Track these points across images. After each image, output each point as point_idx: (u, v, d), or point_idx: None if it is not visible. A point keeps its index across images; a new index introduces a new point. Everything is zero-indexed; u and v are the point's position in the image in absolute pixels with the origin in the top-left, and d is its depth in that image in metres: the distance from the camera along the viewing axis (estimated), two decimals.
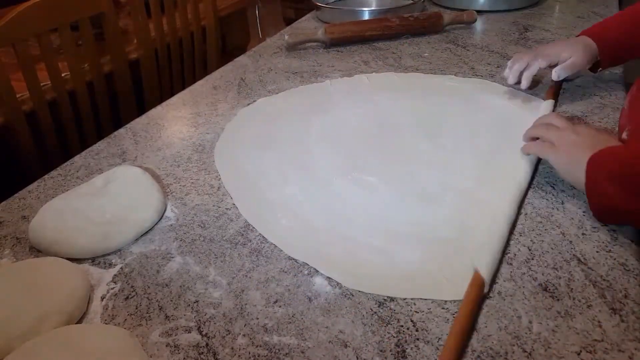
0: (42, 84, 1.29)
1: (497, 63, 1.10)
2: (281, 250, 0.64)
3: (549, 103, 0.90)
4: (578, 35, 0.94)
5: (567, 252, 0.60)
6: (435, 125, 0.88)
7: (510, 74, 0.94)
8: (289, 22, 2.72)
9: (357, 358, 0.50)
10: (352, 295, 0.57)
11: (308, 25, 1.48)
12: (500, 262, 0.59)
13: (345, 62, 1.18)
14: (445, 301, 0.55)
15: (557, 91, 0.94)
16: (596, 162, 0.63)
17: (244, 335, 0.54)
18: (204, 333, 0.54)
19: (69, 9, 1.31)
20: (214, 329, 0.54)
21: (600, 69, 0.94)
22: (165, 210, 0.72)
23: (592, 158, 0.64)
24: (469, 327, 0.52)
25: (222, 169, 0.81)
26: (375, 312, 0.55)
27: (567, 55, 0.90)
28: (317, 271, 0.60)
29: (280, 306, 0.56)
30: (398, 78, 1.07)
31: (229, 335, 0.54)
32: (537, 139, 0.75)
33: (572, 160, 0.67)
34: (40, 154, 1.32)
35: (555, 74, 0.90)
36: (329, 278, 0.59)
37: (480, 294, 0.55)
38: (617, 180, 0.61)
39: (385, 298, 0.56)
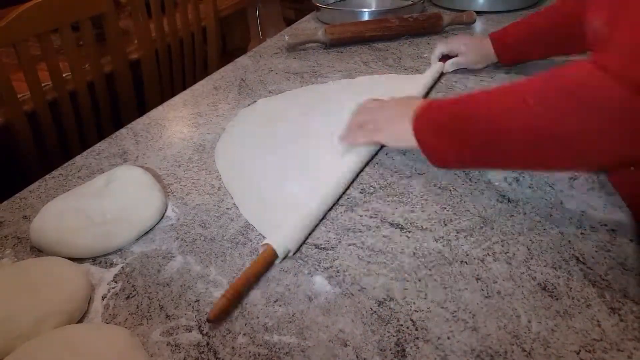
0: (42, 84, 1.29)
1: (496, 64, 1.10)
2: None
3: (440, 65, 1.07)
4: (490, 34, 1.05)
5: (566, 251, 0.60)
6: None
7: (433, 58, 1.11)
8: (289, 22, 2.73)
9: (357, 357, 0.50)
10: (352, 295, 0.57)
11: (308, 25, 1.48)
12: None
13: (346, 62, 1.18)
14: (445, 300, 0.56)
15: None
16: (419, 118, 0.69)
17: (244, 334, 0.54)
18: (204, 332, 0.54)
19: (69, 9, 1.31)
20: (214, 328, 0.55)
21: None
22: (166, 210, 0.72)
23: (416, 117, 0.69)
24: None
25: (223, 169, 0.81)
26: (375, 312, 0.55)
27: (462, 50, 1.06)
28: (317, 270, 0.61)
29: (280, 305, 0.57)
30: (400, 78, 1.07)
31: (230, 334, 0.54)
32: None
33: (397, 130, 0.72)
34: (41, 154, 1.32)
35: (447, 66, 1.08)
36: (330, 277, 0.60)
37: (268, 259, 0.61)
38: (445, 131, 0.66)
39: (385, 297, 0.56)
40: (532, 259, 0.60)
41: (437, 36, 1.30)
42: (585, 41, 0.79)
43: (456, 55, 1.07)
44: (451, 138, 0.65)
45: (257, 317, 0.55)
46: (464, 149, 0.64)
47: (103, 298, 0.59)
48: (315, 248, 0.64)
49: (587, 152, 0.55)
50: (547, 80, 0.57)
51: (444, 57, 1.10)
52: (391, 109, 0.76)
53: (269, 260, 0.61)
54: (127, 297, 0.59)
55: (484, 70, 1.08)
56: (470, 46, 1.06)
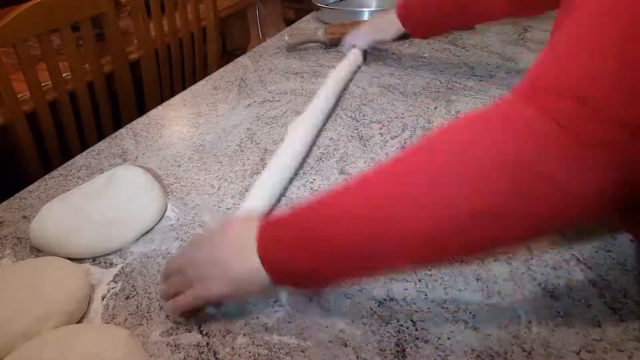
0: (42, 84, 1.29)
1: (496, 64, 1.10)
2: None
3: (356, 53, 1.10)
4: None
5: (567, 252, 0.60)
6: None
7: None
8: (289, 22, 2.72)
9: (357, 357, 0.50)
10: (352, 295, 0.57)
11: (308, 25, 1.48)
12: None
13: None
14: (445, 300, 0.56)
15: None
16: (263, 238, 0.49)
17: (244, 334, 0.54)
18: (204, 332, 0.54)
19: (69, 9, 1.31)
20: (214, 329, 0.54)
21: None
22: (165, 210, 0.72)
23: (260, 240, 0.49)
24: None
25: None
26: (375, 312, 0.55)
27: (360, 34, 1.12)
28: None
29: (280, 305, 0.56)
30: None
31: (229, 334, 0.54)
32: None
33: (236, 270, 0.50)
34: (41, 154, 1.32)
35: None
36: None
37: None
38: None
39: (385, 297, 0.56)
40: (532, 259, 0.60)
41: (436, 36, 1.29)
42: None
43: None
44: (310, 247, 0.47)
45: (257, 317, 0.55)
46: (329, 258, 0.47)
47: (103, 298, 0.59)
48: None
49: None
50: (453, 124, 0.45)
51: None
52: (201, 253, 0.54)
53: None
54: (127, 297, 0.59)
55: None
56: (369, 24, 1.12)
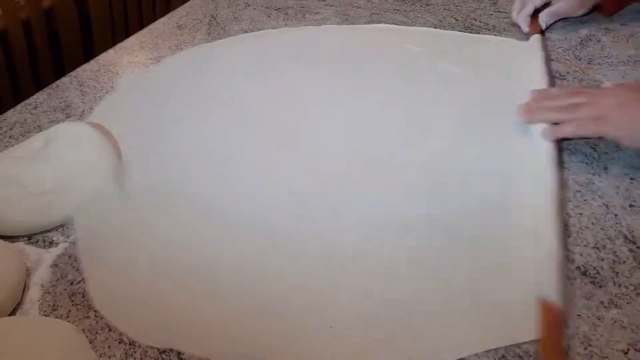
0: None
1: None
2: None
3: (537, 38, 0.94)
4: None
5: (612, 228, 0.61)
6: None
7: (519, 20, 1.01)
8: None
9: None
10: None
11: None
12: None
13: None
14: None
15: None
16: None
17: None
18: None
19: None
20: None
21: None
22: (119, 175, 0.71)
23: None
24: None
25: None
26: None
27: None
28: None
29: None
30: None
31: None
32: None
33: (636, 120, 0.65)
34: None
35: (542, 22, 0.99)
36: None
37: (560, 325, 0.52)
38: None
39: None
40: (569, 236, 0.60)
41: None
42: None
43: (547, 4, 1.00)
44: None
45: None
46: None
47: (41, 285, 0.59)
48: None
49: None
50: None
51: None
52: (622, 95, 0.68)
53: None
54: (71, 284, 0.59)
55: (586, 23, 1.01)
56: None
